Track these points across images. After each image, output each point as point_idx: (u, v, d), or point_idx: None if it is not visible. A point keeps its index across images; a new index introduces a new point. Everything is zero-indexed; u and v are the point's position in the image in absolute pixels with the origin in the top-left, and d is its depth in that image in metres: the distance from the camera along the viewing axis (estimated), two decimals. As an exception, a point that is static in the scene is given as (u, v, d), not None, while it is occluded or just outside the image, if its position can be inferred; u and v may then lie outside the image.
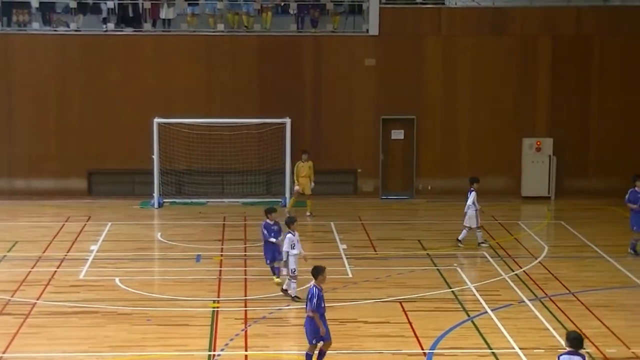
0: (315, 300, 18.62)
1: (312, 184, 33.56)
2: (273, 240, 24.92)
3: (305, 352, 18.94)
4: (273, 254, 25.01)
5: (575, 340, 16.23)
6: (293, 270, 23.55)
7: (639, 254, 28.23)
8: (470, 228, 29.18)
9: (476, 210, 29.05)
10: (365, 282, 24.66)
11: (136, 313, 22.91)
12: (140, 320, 22.38)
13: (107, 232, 30.82)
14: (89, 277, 25.97)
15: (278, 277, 24.89)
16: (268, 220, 25.25)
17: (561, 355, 16.16)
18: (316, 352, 18.92)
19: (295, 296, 23.59)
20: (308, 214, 33.48)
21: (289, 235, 23.64)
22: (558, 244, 30.00)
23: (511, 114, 37.01)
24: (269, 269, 25.13)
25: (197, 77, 36.12)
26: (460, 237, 29.18)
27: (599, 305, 23.65)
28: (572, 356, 16.12)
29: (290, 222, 23.93)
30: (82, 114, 35.96)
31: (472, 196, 29.07)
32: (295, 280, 23.61)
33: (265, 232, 25.08)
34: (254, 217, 32.41)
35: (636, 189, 28.55)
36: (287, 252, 23.58)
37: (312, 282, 19.02)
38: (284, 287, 24.15)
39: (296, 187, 33.20)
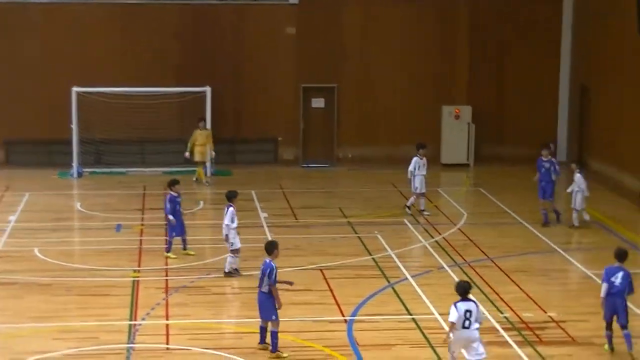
0: (274, 276, 18.45)
1: (213, 152, 33.58)
2: (171, 217, 24.82)
3: (272, 332, 18.47)
4: (182, 227, 25.00)
5: (462, 289, 17.16)
6: (232, 244, 23.27)
7: (549, 222, 28.43)
8: (418, 194, 29.19)
9: (422, 175, 29.03)
10: (286, 250, 24.61)
11: (56, 283, 22.73)
12: (60, 291, 22.21)
13: (26, 202, 30.49)
14: (7, 248, 25.70)
15: (169, 252, 24.89)
16: (172, 193, 25.12)
17: (457, 302, 16.92)
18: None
19: (235, 269, 23.46)
20: (195, 179, 33.63)
21: (230, 209, 23.31)
22: (477, 210, 30.29)
23: (430, 82, 37.24)
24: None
25: (116, 46, 35.83)
26: (408, 204, 29.20)
27: (516, 270, 23.97)
28: (465, 302, 16.93)
29: (231, 196, 23.62)
30: (-1, 84, 35.55)
31: (412, 162, 29.04)
32: (235, 255, 23.42)
33: (169, 205, 24.92)
34: (188, 187, 32.33)
35: (542, 157, 28.70)
36: (228, 225, 23.20)
37: (267, 258, 18.72)
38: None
39: (186, 154, 33.25)
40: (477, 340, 16.97)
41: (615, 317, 18.55)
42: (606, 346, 18.82)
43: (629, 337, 18.44)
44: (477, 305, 17.21)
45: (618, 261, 18.71)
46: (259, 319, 18.74)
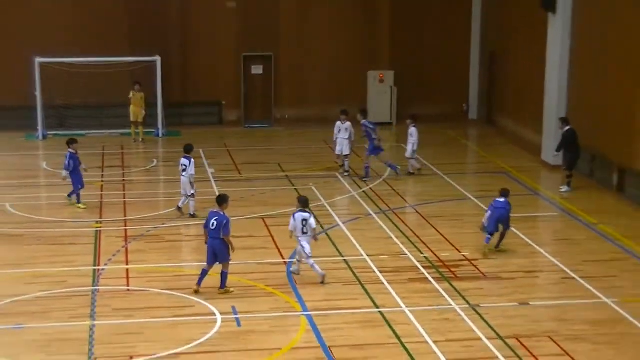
0: (229, 226, 18.75)
1: (144, 112, 33.75)
2: (64, 173, 25.21)
3: (222, 272, 18.83)
4: (81, 180, 25.31)
5: (302, 202, 19.78)
6: (187, 191, 23.87)
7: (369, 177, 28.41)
8: (339, 155, 29.05)
9: (344, 139, 28.72)
10: (231, 201, 24.76)
11: (27, 234, 22.76)
12: (31, 241, 22.26)
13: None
14: (-19, 204, 25.67)
15: (79, 203, 25.14)
16: (71, 151, 25.26)
17: (295, 213, 19.45)
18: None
19: (193, 214, 24.12)
20: (141, 139, 33.68)
21: (192, 160, 23.91)
22: (399, 163, 30.46)
23: (357, 49, 37.32)
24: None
25: (72, 18, 35.30)
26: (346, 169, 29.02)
27: (434, 215, 24.33)
28: (302, 213, 19.43)
29: (190, 149, 24.22)
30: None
31: (335, 126, 29.01)
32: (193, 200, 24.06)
33: (70, 162, 25.08)
34: (129, 146, 32.33)
35: (365, 121, 28.50)
36: (192, 174, 23.82)
37: (220, 210, 18.93)
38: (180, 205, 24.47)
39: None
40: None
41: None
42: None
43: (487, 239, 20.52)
44: (311, 215, 19.61)
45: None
46: (205, 263, 18.93)
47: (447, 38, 37.66)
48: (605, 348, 16.25)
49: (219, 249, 18.76)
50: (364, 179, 27.96)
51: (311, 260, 19.32)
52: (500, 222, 21.05)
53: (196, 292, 18.67)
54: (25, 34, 35.09)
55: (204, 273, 18.87)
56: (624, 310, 17.83)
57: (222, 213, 18.92)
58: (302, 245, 19.37)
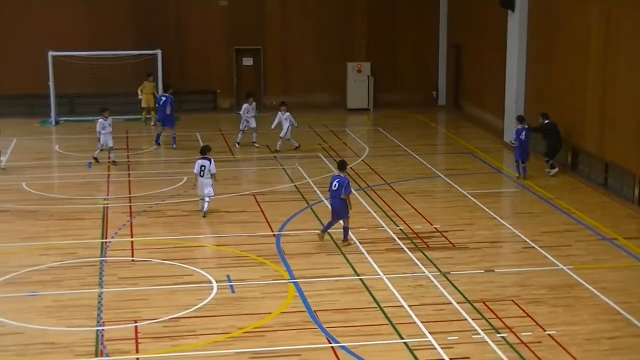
0: (350, 186, 19.66)
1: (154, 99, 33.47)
2: None
3: (344, 227, 19.57)
4: None
5: (203, 149, 21.91)
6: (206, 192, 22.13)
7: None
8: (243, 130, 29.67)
9: (253, 117, 29.57)
10: (225, 180, 24.55)
11: (40, 210, 22.43)
12: (45, 216, 21.93)
13: (14, 146, 29.91)
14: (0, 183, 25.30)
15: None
16: None
17: (197, 159, 21.71)
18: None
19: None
20: (153, 124, 33.27)
21: (209, 160, 22.06)
22: (376, 145, 30.39)
23: (337, 43, 37.01)
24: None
25: (82, 15, 35.03)
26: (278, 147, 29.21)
27: (408, 192, 24.11)
28: (203, 160, 21.62)
29: (206, 151, 22.40)
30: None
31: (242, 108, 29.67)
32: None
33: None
34: (134, 130, 32.00)
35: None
36: (214, 175, 22.02)
37: (340, 173, 19.59)
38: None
39: (139, 97, 33.07)
40: (209, 184, 21.74)
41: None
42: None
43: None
44: (210, 162, 21.63)
45: (339, 170, 19.84)
46: (331, 218, 19.68)
47: (417, 33, 37.44)
48: (562, 310, 16.11)
49: (338, 207, 19.40)
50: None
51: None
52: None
53: (321, 239, 19.60)
54: (39, 29, 34.72)
55: (329, 224, 19.74)
56: (578, 276, 17.70)
57: (342, 175, 19.50)
58: None
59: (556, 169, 25.85)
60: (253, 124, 29.64)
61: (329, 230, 20.16)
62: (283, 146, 28.93)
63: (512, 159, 26.64)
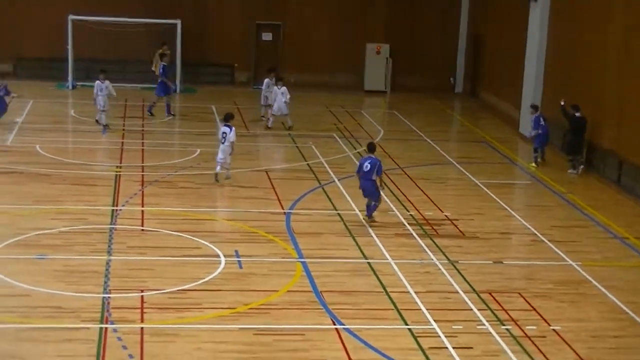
0: (382, 170, 19.63)
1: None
2: None
3: (373, 205, 19.70)
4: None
5: (226, 116, 22.24)
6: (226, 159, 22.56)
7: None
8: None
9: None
10: (239, 155, 24.49)
11: (54, 174, 22.46)
12: (58, 180, 21.96)
13: (30, 108, 29.96)
14: (14, 144, 25.35)
15: None
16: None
17: (221, 125, 22.12)
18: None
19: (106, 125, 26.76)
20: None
21: (230, 128, 22.38)
22: (391, 129, 30.34)
23: (357, 24, 36.99)
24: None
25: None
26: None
27: (420, 178, 24.05)
28: (225, 127, 22.10)
29: (229, 118, 22.74)
30: (5, 11, 34.83)
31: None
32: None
33: None
34: (149, 99, 31.90)
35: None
36: (233, 142, 22.32)
37: (371, 154, 19.71)
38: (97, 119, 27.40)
39: (152, 68, 32.75)
40: (227, 152, 22.07)
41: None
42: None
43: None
44: (231, 130, 21.99)
45: (369, 152, 19.94)
46: (366, 199, 19.77)
47: (438, 18, 37.40)
48: (568, 306, 16.05)
49: (369, 189, 19.48)
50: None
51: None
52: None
53: (372, 221, 19.67)
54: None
55: (367, 206, 19.72)
56: (586, 273, 17.62)
57: (373, 157, 19.59)
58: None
59: (578, 170, 25.08)
60: (284, 109, 28.77)
61: (339, 212, 20.13)
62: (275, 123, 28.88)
63: (528, 151, 26.57)
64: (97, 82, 27.41)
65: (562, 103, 25.41)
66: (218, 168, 22.42)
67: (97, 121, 27.69)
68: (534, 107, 26.56)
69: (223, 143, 22.21)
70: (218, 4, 36.19)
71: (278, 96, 28.54)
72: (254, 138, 27.81)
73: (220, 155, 22.32)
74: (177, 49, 34.20)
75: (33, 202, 20.15)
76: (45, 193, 20.90)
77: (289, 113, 29.01)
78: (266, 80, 29.61)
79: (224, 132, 22.26)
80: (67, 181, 21.96)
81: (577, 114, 25.11)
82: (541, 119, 25.93)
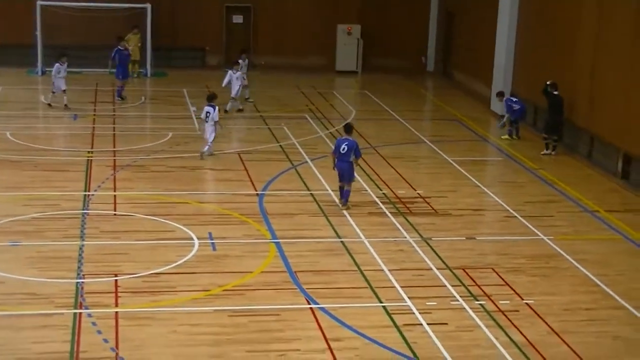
0: (359, 151, 19.50)
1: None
2: None
3: (346, 190, 19.46)
4: None
5: (209, 97, 22.35)
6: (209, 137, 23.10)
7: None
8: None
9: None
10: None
11: (25, 161, 22.32)
12: (29, 167, 21.83)
13: (-1, 95, 29.80)
14: (-16, 132, 25.18)
15: None
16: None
17: (205, 106, 22.17)
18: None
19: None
20: (135, 75, 33.57)
21: (217, 107, 23.15)
22: (363, 109, 30.36)
23: (328, 4, 36.91)
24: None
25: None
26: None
27: (393, 157, 24.10)
28: (208, 107, 22.73)
29: (212, 98, 23.35)
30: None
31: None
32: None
33: None
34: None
35: None
36: (217, 121, 22.97)
37: (348, 136, 19.49)
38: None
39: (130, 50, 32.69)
40: (211, 130, 22.65)
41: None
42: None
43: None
44: (214, 109, 22.61)
45: (346, 133, 19.72)
46: (339, 182, 19.53)
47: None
48: (540, 280, 16.19)
49: (347, 170, 19.33)
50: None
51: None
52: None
53: (347, 209, 19.32)
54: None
55: (341, 190, 19.53)
56: (558, 247, 17.77)
57: (350, 138, 19.44)
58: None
59: (551, 151, 24.87)
60: (244, 81, 29.12)
61: (312, 192, 20.16)
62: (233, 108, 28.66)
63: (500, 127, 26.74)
64: (57, 64, 27.94)
65: (548, 83, 25.24)
66: (206, 149, 23.00)
67: (66, 106, 27.58)
68: (500, 94, 26.86)
69: (207, 122, 22.85)
70: (188, -12, 36.02)
71: (234, 80, 28.25)
72: (226, 121, 27.67)
73: (205, 135, 23.05)
74: (147, 33, 34.05)
75: (4, 189, 20.03)
76: (16, 180, 20.76)
77: (248, 96, 29.67)
78: (240, 61, 29.48)
79: (207, 112, 22.89)
80: (38, 167, 21.84)
81: (555, 92, 25.06)
82: (512, 99, 26.18)
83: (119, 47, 30.34)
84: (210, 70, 35.98)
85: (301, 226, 18.42)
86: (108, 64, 30.88)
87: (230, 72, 28.52)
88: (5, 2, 34.51)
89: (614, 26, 23.48)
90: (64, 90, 27.74)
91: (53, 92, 28.03)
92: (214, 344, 13.16)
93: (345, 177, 19.45)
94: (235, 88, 28.25)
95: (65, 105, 27.77)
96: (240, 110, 28.61)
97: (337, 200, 19.78)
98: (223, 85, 28.52)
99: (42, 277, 15.26)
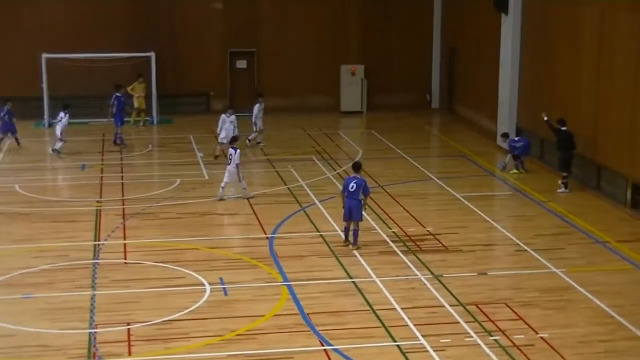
0: (368, 189, 19.59)
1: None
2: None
3: (354, 230, 19.47)
4: None
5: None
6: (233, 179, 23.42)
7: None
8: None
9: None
10: (219, 183, 24.51)
11: (33, 213, 22.39)
12: (37, 219, 21.89)
13: (7, 147, 29.87)
14: (-8, 185, 25.29)
15: None
16: None
17: (349, 177, 19.76)
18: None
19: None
20: (142, 124, 33.84)
21: (238, 150, 23.45)
22: (369, 148, 30.40)
23: (331, 46, 37.05)
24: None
25: (76, 18, 35.07)
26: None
27: (401, 195, 24.10)
28: (232, 149, 23.26)
29: (233, 140, 24.23)
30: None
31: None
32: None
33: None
34: (127, 133, 31.86)
35: None
36: (239, 164, 23.29)
37: (356, 174, 19.51)
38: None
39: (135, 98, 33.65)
40: (232, 172, 23.05)
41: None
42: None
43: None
44: (236, 151, 23.04)
45: (354, 172, 19.74)
46: (344, 222, 19.54)
47: (412, 35, 37.44)
48: (554, 313, 16.13)
49: (355, 208, 19.27)
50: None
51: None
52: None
53: (346, 245, 19.48)
54: (33, 32, 34.67)
55: (346, 229, 19.57)
56: (571, 279, 17.71)
57: (359, 177, 19.49)
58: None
59: (565, 189, 24.36)
60: (260, 125, 29.88)
61: (321, 233, 20.16)
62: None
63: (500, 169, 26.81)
64: (61, 113, 29.18)
65: (545, 118, 25.29)
66: (221, 191, 23.31)
67: (53, 150, 28.92)
68: (505, 135, 27.15)
69: (229, 165, 23.25)
70: (192, 34, 36.16)
71: (226, 124, 28.25)
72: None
73: (226, 178, 23.38)
74: (153, 80, 34.25)
75: (14, 242, 20.09)
76: (26, 232, 20.82)
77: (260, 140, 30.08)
78: (256, 105, 29.81)
79: (230, 154, 23.31)
80: (47, 219, 21.90)
81: (563, 128, 24.76)
82: (515, 139, 26.51)
83: (117, 94, 30.61)
84: (216, 115, 35.87)
85: (312, 268, 18.40)
86: (108, 112, 31.01)
87: (223, 115, 28.66)
88: (9, 55, 34.73)
89: (617, 56, 23.56)
90: (60, 138, 28.59)
91: (59, 139, 28.69)
92: (229, 390, 13.11)
93: (354, 215, 19.40)
94: (227, 132, 27.97)
95: (53, 149, 28.70)
96: (258, 144, 29.53)
97: (343, 239, 19.77)
98: (218, 131, 28.54)
99: (54, 329, 15.25)
